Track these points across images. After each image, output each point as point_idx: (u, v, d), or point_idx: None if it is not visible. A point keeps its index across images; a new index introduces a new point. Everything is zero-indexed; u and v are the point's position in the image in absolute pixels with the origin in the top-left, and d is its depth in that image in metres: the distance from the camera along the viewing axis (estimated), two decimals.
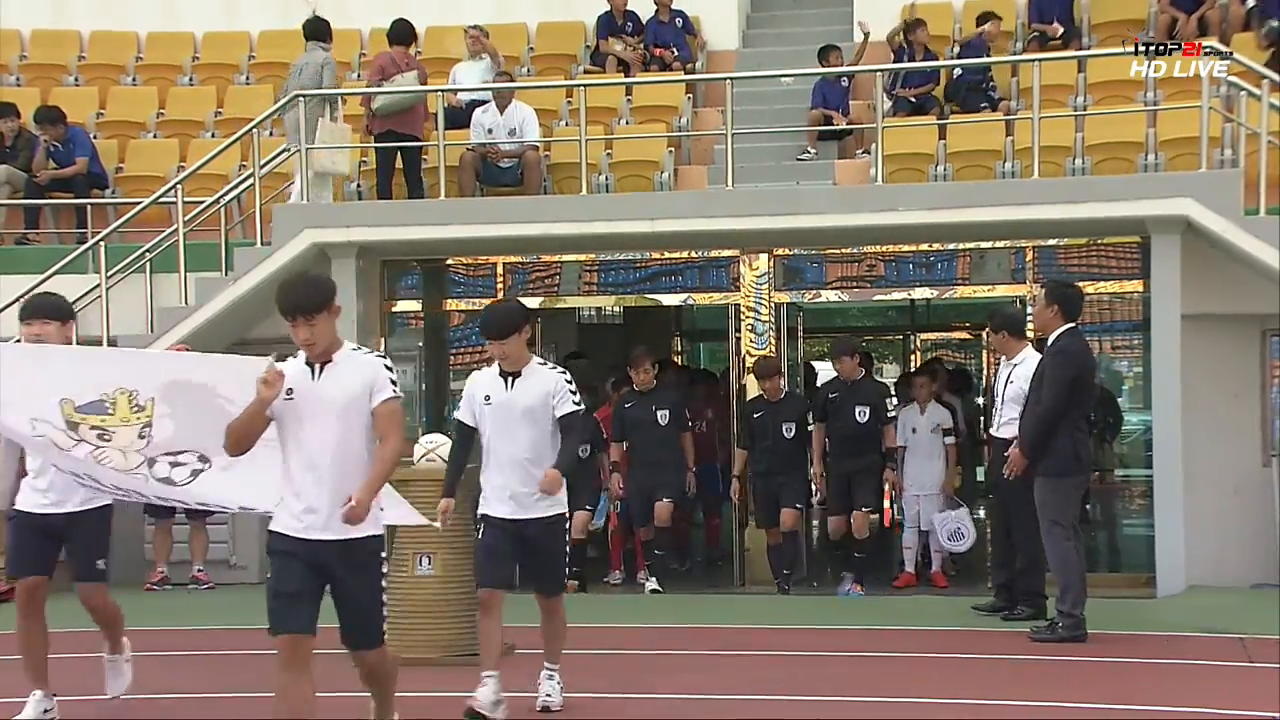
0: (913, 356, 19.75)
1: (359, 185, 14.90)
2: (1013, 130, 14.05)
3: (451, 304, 14.07)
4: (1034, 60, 13.37)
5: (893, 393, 13.07)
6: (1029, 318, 11.90)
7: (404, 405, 6.52)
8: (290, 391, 6.19)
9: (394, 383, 6.34)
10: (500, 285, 13.64)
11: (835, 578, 12.73)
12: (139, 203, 14.45)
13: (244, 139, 14.22)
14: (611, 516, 13.34)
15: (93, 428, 6.96)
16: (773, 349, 13.13)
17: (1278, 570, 12.01)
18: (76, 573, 7.68)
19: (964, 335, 20.23)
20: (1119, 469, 13.12)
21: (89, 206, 15.47)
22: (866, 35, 15.41)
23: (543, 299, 13.87)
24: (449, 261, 13.88)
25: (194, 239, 14.11)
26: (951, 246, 13.06)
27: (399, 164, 14.39)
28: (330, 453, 6.21)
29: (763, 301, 13.21)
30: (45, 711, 7.55)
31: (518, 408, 7.70)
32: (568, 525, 7.97)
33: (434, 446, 9.51)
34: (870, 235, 12.92)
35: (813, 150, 14.93)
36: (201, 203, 14.44)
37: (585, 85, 14.27)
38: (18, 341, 7.67)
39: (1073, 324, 9.98)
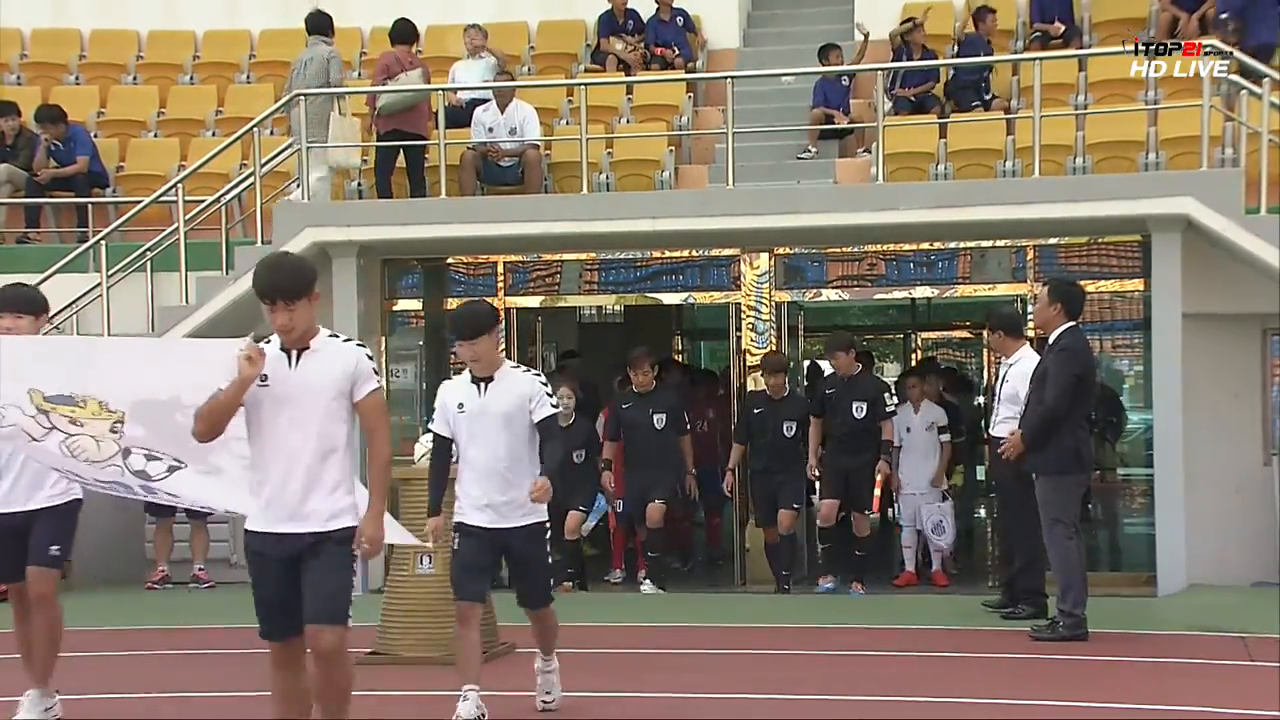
0: (913, 355, 19.74)
1: (359, 184, 14.90)
2: (1013, 129, 14.04)
3: (452, 303, 14.04)
4: (1035, 59, 13.37)
5: (892, 390, 13.03)
6: (1028, 317, 11.90)
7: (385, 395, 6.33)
8: (265, 378, 5.93)
9: (376, 372, 6.12)
10: (501, 284, 13.64)
11: (835, 576, 12.63)
12: (140, 201, 14.45)
13: (245, 138, 14.21)
14: (610, 516, 13.32)
15: (63, 414, 6.80)
16: (773, 348, 13.11)
17: (1278, 569, 12.00)
18: (29, 557, 7.27)
19: (965, 334, 20.21)
20: (1120, 468, 13.09)
21: (90, 205, 15.47)
22: (866, 36, 15.40)
23: (543, 298, 13.86)
24: (450, 260, 13.88)
25: (195, 238, 14.11)
26: (952, 245, 13.05)
27: (400, 163, 14.40)
28: (302, 443, 5.95)
29: (763, 300, 13.21)
30: (47, 710, 7.52)
31: (493, 414, 7.45)
32: (548, 534, 7.70)
33: None
34: (871, 234, 12.91)
35: (813, 149, 14.92)
36: (202, 202, 14.44)
37: (586, 84, 14.27)
38: None
39: (1074, 322, 9.98)
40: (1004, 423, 10.53)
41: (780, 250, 13.23)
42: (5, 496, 7.33)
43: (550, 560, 7.81)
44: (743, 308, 13.28)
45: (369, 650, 9.43)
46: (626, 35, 16.23)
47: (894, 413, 12.50)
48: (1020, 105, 14.41)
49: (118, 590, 13.10)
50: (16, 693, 7.53)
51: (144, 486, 7.08)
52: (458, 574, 7.59)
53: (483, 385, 7.52)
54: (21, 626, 7.49)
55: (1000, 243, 12.92)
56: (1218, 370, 12.37)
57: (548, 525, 7.65)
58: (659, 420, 12.69)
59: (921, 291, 14.02)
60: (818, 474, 12.49)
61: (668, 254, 13.56)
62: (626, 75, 15.79)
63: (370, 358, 6.11)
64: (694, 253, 13.45)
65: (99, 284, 13.90)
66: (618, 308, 16.57)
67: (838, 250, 13.29)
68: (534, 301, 13.85)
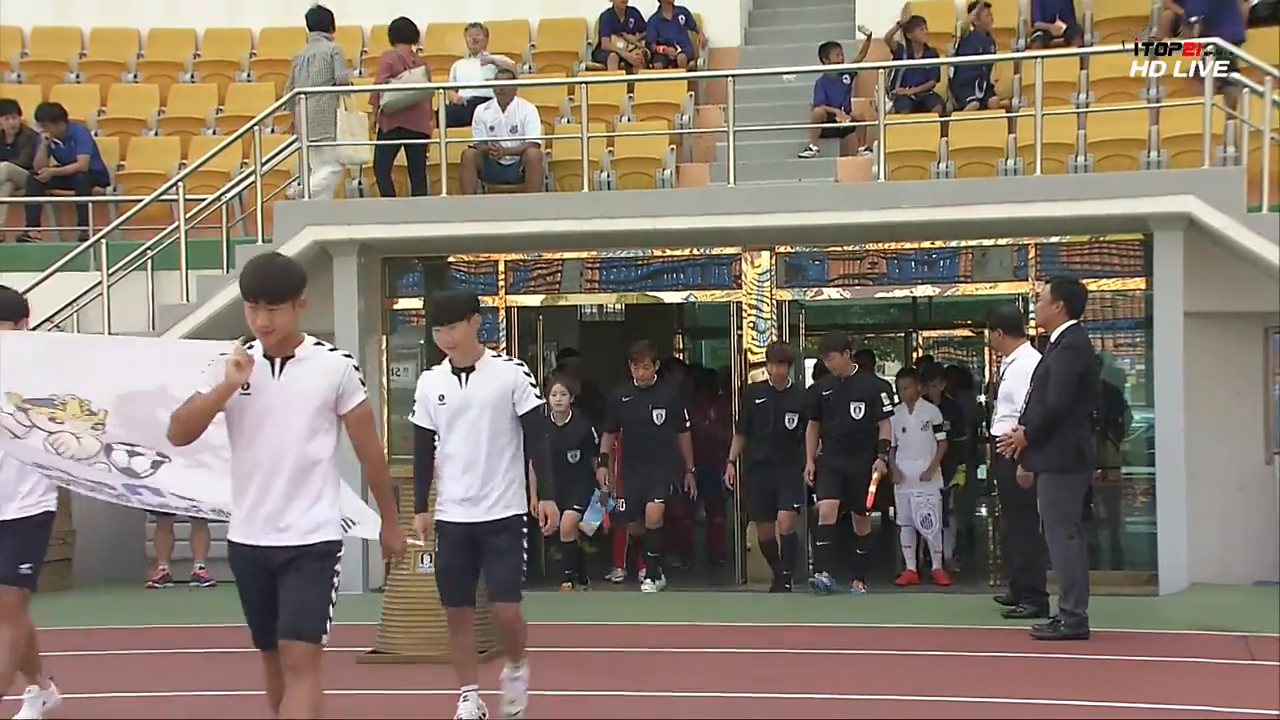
0: (915, 354, 19.72)
1: (360, 182, 14.89)
2: (1015, 127, 14.03)
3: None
4: (1036, 57, 13.36)
5: (891, 389, 13.01)
6: (1030, 315, 11.89)
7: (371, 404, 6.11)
8: (247, 386, 5.70)
9: (363, 382, 5.90)
10: (502, 283, 13.62)
11: (832, 575, 12.58)
12: (140, 200, 14.45)
13: (245, 136, 14.20)
14: (604, 516, 13.30)
15: (42, 413, 6.71)
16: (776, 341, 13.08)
17: None
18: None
19: (966, 333, 20.19)
20: (1122, 466, 13.07)
21: (90, 204, 15.48)
22: (869, 36, 15.39)
23: (544, 296, 13.85)
24: (451, 259, 13.86)
25: (195, 236, 14.11)
26: (954, 244, 13.03)
27: (400, 161, 14.38)
28: (284, 455, 5.72)
29: (765, 299, 13.19)
30: (44, 705, 7.49)
31: (474, 406, 7.23)
32: (525, 529, 7.39)
33: None
34: (872, 233, 12.88)
35: (815, 148, 14.91)
36: (203, 200, 14.44)
37: (587, 82, 14.26)
38: None
39: (1076, 321, 9.97)
40: (1002, 421, 10.53)
41: (781, 249, 13.21)
42: None
43: (525, 555, 7.43)
44: (744, 306, 13.26)
45: (370, 649, 9.44)
46: (628, 33, 16.22)
47: (891, 412, 12.47)
48: (1022, 103, 14.40)
49: (119, 589, 13.10)
50: (17, 692, 7.51)
51: (129, 486, 6.98)
52: (441, 580, 7.44)
53: (464, 376, 7.31)
54: (6, 635, 7.24)
55: (1002, 241, 12.89)
56: (1220, 369, 12.36)
57: (525, 519, 7.38)
58: (658, 415, 12.66)
59: (923, 290, 14.00)
60: (814, 480, 12.40)
61: (669, 252, 13.54)
62: (628, 73, 15.78)
63: (357, 368, 5.89)
64: (695, 251, 13.43)
65: (99, 283, 13.91)
66: (619, 306, 16.56)
67: (839, 249, 13.27)
68: (535, 300, 13.83)
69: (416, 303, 14.00)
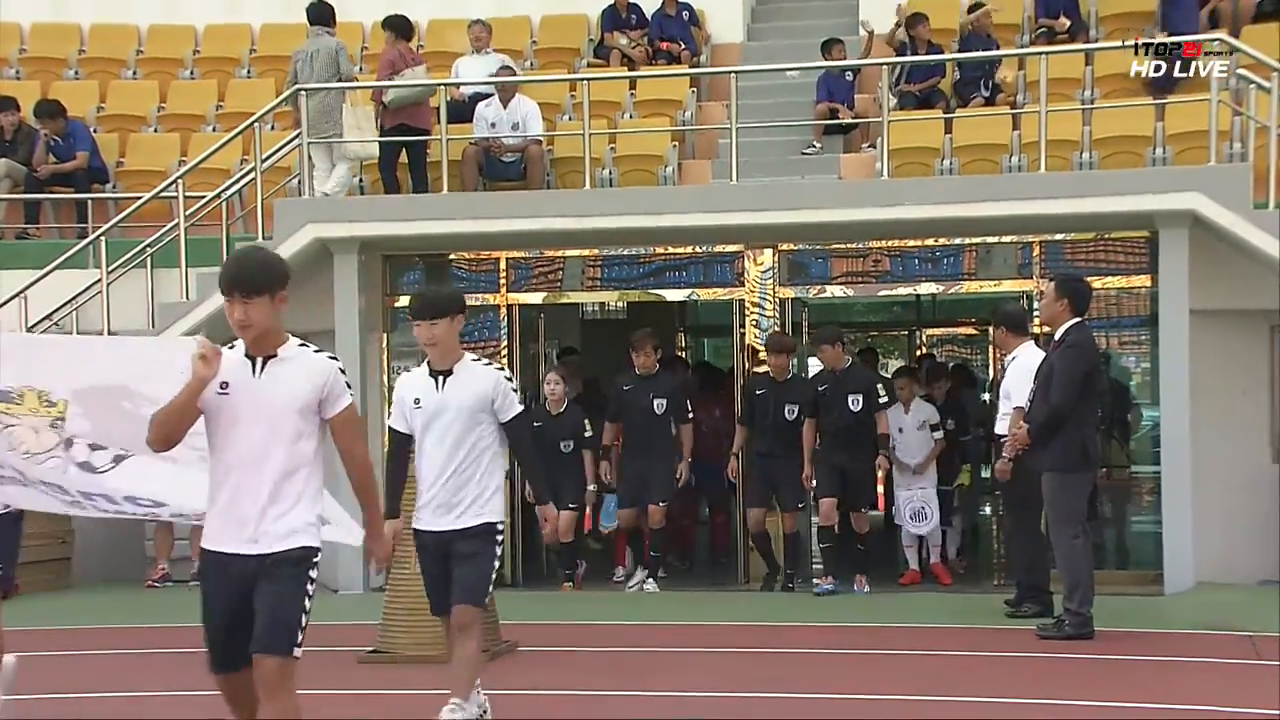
0: (918, 353, 19.67)
1: (361, 179, 14.83)
2: (1019, 124, 13.97)
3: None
4: (1041, 54, 13.30)
5: (886, 381, 12.96)
6: (1035, 313, 11.83)
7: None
8: (225, 385, 5.49)
9: (349, 385, 5.68)
10: (503, 280, 13.57)
11: (835, 578, 12.51)
12: (140, 197, 14.40)
13: (245, 133, 14.15)
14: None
15: None
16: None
17: None
18: None
19: (970, 331, 20.13)
20: (1131, 465, 13.01)
21: (89, 201, 15.43)
22: (871, 33, 15.32)
23: (546, 294, 13.80)
24: (452, 256, 13.81)
25: (195, 234, 14.05)
26: (957, 241, 12.96)
27: (401, 158, 14.32)
28: (265, 458, 5.49)
29: (767, 297, 13.13)
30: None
31: (450, 410, 6.99)
32: (499, 536, 7.11)
33: None
34: (876, 230, 12.83)
35: (818, 144, 14.85)
36: (203, 197, 14.38)
37: (589, 79, 14.19)
38: None
39: (1080, 319, 9.91)
40: (1003, 419, 10.52)
41: (784, 246, 13.15)
42: None
43: (497, 564, 7.12)
44: (746, 304, 13.20)
45: (370, 649, 9.39)
46: (630, 30, 16.17)
47: (888, 403, 12.42)
48: (1026, 100, 14.35)
49: (118, 588, 13.06)
50: (17, 692, 7.46)
51: (83, 492, 6.81)
52: (428, 591, 7.23)
53: (441, 379, 7.07)
54: None
55: (1006, 238, 12.83)
56: (1225, 367, 12.30)
57: (500, 526, 7.12)
58: (659, 405, 12.58)
59: (926, 288, 13.93)
60: (814, 481, 12.31)
61: (671, 250, 13.48)
62: (630, 70, 15.72)
63: (343, 370, 5.67)
64: (697, 248, 13.38)
65: (99, 280, 13.87)
66: (621, 304, 16.51)
67: (842, 246, 13.21)
68: (536, 297, 13.78)
69: None
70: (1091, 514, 10.27)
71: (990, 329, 13.29)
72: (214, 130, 16.16)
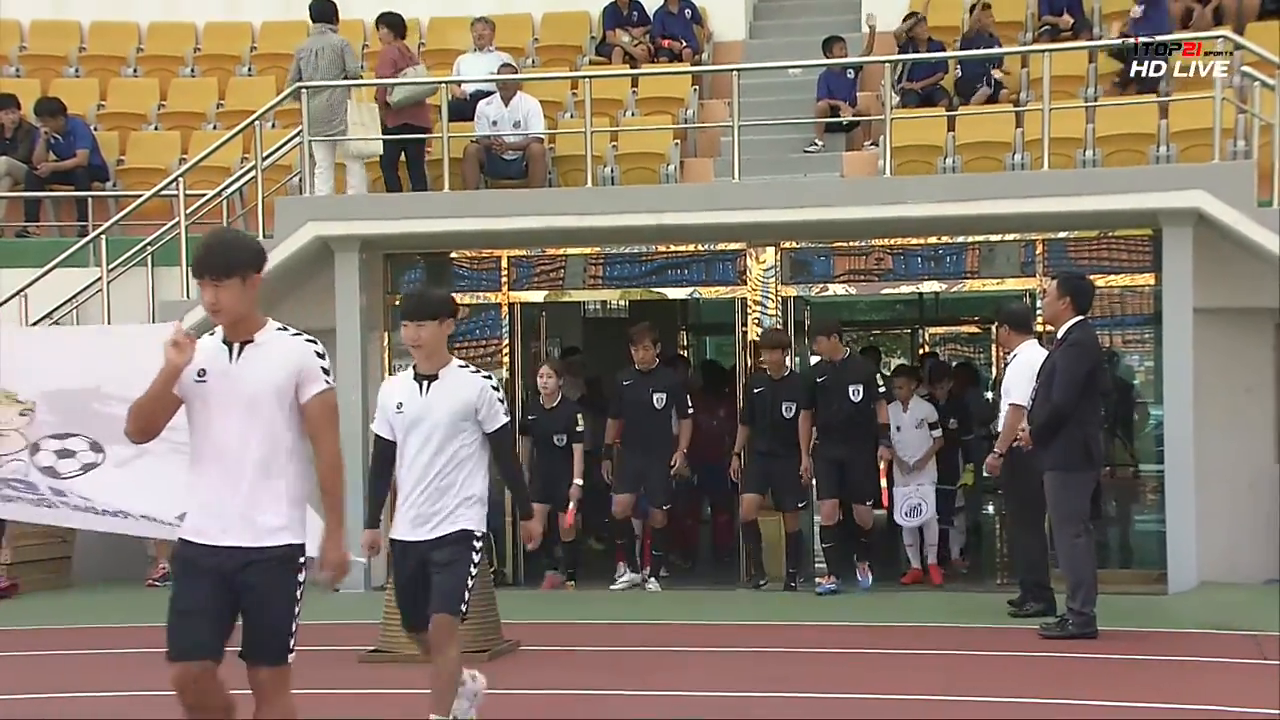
0: (920, 351, 19.64)
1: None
2: (1022, 122, 13.93)
3: (455, 297, 13.88)
4: (1044, 51, 13.25)
5: (881, 372, 12.94)
6: (1037, 311, 11.79)
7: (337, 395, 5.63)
8: (203, 373, 5.35)
9: (326, 371, 5.46)
10: (505, 279, 13.53)
11: (838, 577, 12.47)
12: (140, 195, 14.36)
13: (246, 131, 14.10)
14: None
15: None
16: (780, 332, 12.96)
17: None
18: None
19: (973, 329, 20.09)
20: (1139, 464, 12.96)
21: (90, 199, 15.39)
22: (873, 30, 15.28)
23: (547, 292, 13.76)
24: (453, 255, 13.77)
25: (196, 232, 13.93)
26: (960, 239, 12.92)
27: (400, 157, 14.30)
28: (243, 447, 5.34)
29: (770, 295, 13.09)
30: None
31: (431, 418, 6.79)
32: (477, 545, 6.86)
33: None
34: (878, 228, 12.79)
35: (820, 142, 14.82)
36: (203, 195, 14.34)
37: (590, 76, 14.15)
38: None
39: (1083, 317, 9.88)
40: (1002, 416, 10.47)
41: (787, 244, 13.11)
42: None
43: (474, 572, 6.87)
44: (749, 303, 13.16)
45: (371, 648, 9.35)
46: (632, 27, 16.13)
47: (886, 393, 12.38)
48: (1029, 98, 14.30)
49: (119, 587, 13.02)
50: (17, 691, 7.43)
51: (53, 489, 6.75)
52: (399, 604, 7.00)
53: (425, 384, 6.86)
54: None
55: (1009, 237, 12.79)
56: (1229, 365, 12.25)
57: (478, 534, 6.87)
58: (658, 400, 12.53)
59: (929, 286, 13.89)
60: (812, 475, 12.25)
61: (673, 248, 13.44)
62: (631, 68, 15.68)
63: (321, 355, 5.47)
64: (699, 247, 13.34)
65: (99, 278, 13.82)
66: (622, 302, 16.46)
67: (845, 244, 13.17)
68: (538, 296, 13.74)
69: None
70: (1095, 513, 10.24)
71: (993, 327, 13.24)
72: (214, 128, 16.12)
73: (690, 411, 12.70)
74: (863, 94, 15.26)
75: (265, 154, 13.95)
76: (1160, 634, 10.02)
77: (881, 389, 12.30)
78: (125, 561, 13.40)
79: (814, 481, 12.34)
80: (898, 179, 12.91)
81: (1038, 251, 12.72)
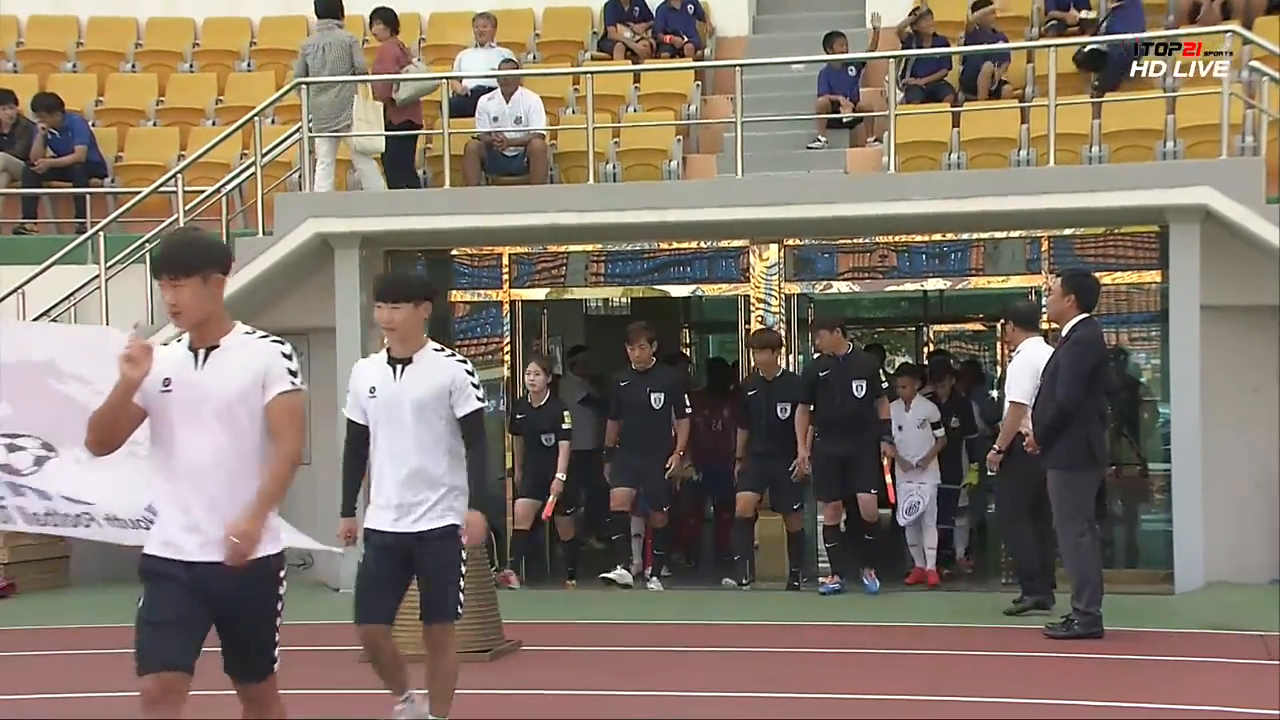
0: (925, 349, 19.57)
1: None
2: (1028, 117, 13.85)
3: (456, 295, 13.85)
4: (1050, 46, 13.17)
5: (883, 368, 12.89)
6: (1043, 309, 11.71)
7: (305, 399, 5.42)
8: (168, 382, 5.15)
9: (293, 373, 5.25)
10: (506, 276, 13.46)
11: (841, 577, 12.37)
12: (139, 192, 14.30)
13: (245, 127, 14.02)
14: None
15: None
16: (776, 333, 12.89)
17: None
18: None
19: (978, 327, 20.03)
20: (1147, 463, 12.88)
21: (88, 195, 15.33)
22: (877, 29, 15.20)
23: (549, 290, 13.69)
24: (454, 252, 13.70)
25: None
26: (965, 236, 12.86)
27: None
28: (214, 457, 5.14)
29: (773, 292, 13.01)
30: None
31: (406, 401, 6.60)
32: (462, 539, 6.73)
33: None
34: (882, 225, 12.72)
35: (822, 139, 14.74)
36: (202, 192, 14.27)
37: (592, 72, 14.08)
38: None
39: (1088, 314, 9.80)
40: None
41: (790, 241, 13.05)
42: None
43: (464, 569, 6.76)
44: (752, 300, 13.10)
45: None
46: (634, 22, 16.06)
47: (888, 388, 12.29)
48: (1035, 93, 14.21)
49: (119, 587, 12.91)
50: (17, 691, 7.36)
51: (10, 484, 6.60)
52: (358, 593, 6.76)
53: (399, 367, 6.67)
54: None
55: (1014, 234, 12.71)
56: (1237, 364, 12.17)
57: (461, 529, 6.72)
58: (656, 400, 12.45)
59: (934, 284, 13.83)
60: (808, 472, 12.15)
61: (675, 245, 13.37)
62: (634, 63, 15.60)
63: (289, 356, 5.27)
64: (702, 244, 13.27)
65: (97, 276, 13.75)
66: (624, 300, 16.39)
67: (848, 241, 13.11)
68: (539, 294, 13.67)
69: None
70: (1101, 512, 10.16)
71: (999, 325, 13.17)
72: (213, 124, 16.05)
73: (688, 411, 12.61)
74: (866, 90, 15.19)
75: (265, 150, 13.87)
76: (1167, 634, 9.96)
77: (884, 385, 12.22)
78: (123, 561, 13.27)
79: (814, 482, 12.24)
80: (902, 175, 12.83)
81: (1043, 248, 12.65)
